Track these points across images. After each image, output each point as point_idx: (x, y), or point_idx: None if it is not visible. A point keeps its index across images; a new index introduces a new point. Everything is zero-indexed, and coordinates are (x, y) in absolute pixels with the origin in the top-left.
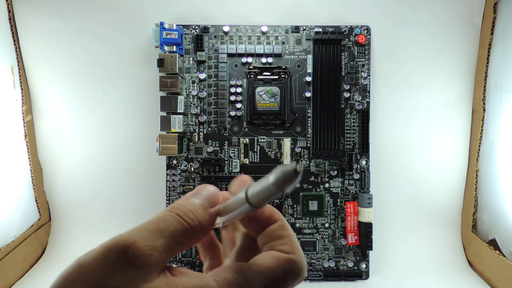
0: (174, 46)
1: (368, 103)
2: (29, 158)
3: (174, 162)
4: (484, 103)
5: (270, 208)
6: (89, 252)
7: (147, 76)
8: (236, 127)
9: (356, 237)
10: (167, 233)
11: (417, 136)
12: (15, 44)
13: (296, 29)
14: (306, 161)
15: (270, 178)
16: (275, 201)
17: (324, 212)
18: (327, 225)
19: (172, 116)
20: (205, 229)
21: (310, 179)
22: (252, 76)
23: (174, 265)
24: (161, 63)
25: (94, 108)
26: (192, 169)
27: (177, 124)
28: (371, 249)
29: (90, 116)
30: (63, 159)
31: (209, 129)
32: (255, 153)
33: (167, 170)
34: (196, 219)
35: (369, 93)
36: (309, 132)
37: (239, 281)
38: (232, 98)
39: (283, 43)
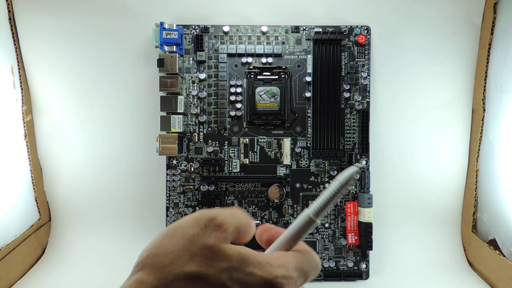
0: (174, 46)
1: (368, 103)
2: (29, 158)
3: (174, 162)
4: (484, 103)
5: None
6: (182, 218)
7: (147, 76)
8: (236, 127)
9: (356, 237)
10: (237, 219)
11: (417, 136)
12: (15, 44)
13: (296, 29)
14: (306, 161)
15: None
16: (275, 201)
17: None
18: (327, 225)
19: (172, 116)
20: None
21: (310, 179)
22: (252, 76)
23: None
24: (161, 63)
25: (94, 108)
26: (192, 169)
27: (177, 124)
28: (371, 249)
29: (90, 116)
30: (63, 159)
31: (209, 129)
32: (255, 153)
33: (167, 170)
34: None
35: (369, 93)
36: (309, 132)
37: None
38: (232, 98)
39: (283, 43)
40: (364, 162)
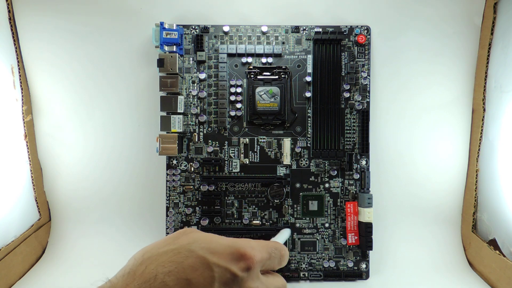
0: (174, 46)
1: (368, 103)
2: (29, 158)
3: (174, 162)
4: (484, 103)
5: None
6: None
7: (147, 76)
8: (236, 127)
9: (356, 237)
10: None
11: (417, 136)
12: (15, 44)
13: (296, 29)
14: (306, 161)
15: None
16: (275, 201)
17: (324, 212)
18: (327, 225)
19: (172, 116)
20: None
21: (310, 179)
22: (252, 76)
23: None
24: (161, 63)
25: (94, 108)
26: (192, 169)
27: (177, 124)
28: (371, 249)
29: (90, 116)
30: (63, 159)
31: (209, 129)
32: (255, 153)
33: (167, 170)
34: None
35: (369, 93)
36: (309, 132)
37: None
38: (232, 98)
39: (283, 43)
40: (364, 162)
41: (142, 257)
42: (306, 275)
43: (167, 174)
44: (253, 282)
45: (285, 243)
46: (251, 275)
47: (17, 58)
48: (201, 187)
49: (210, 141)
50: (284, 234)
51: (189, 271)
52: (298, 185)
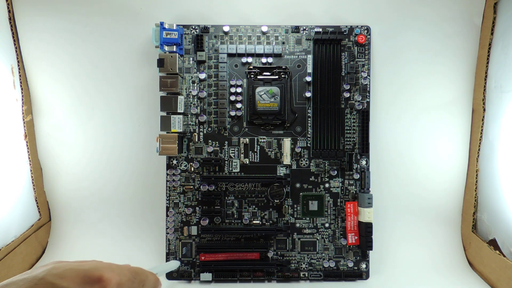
0: (174, 46)
1: (368, 103)
2: (29, 158)
3: (174, 162)
4: (484, 103)
5: None
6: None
7: (147, 76)
8: (236, 127)
9: (356, 237)
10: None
11: (417, 136)
12: (15, 44)
13: (296, 29)
14: (306, 161)
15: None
16: (275, 201)
17: (324, 212)
18: (327, 225)
19: (172, 116)
20: None
21: (310, 179)
22: (252, 76)
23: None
24: (161, 63)
25: (94, 108)
26: (192, 169)
27: (177, 124)
28: (371, 249)
29: (90, 116)
30: (63, 159)
31: (209, 129)
32: (255, 153)
33: (167, 170)
34: None
35: (369, 93)
36: (309, 132)
37: None
38: (232, 98)
39: (283, 43)
40: (364, 162)
41: None
42: (306, 275)
43: (167, 174)
44: None
45: (169, 273)
46: None
47: (17, 58)
48: (201, 187)
49: (210, 141)
50: (169, 265)
51: None
52: (298, 185)
